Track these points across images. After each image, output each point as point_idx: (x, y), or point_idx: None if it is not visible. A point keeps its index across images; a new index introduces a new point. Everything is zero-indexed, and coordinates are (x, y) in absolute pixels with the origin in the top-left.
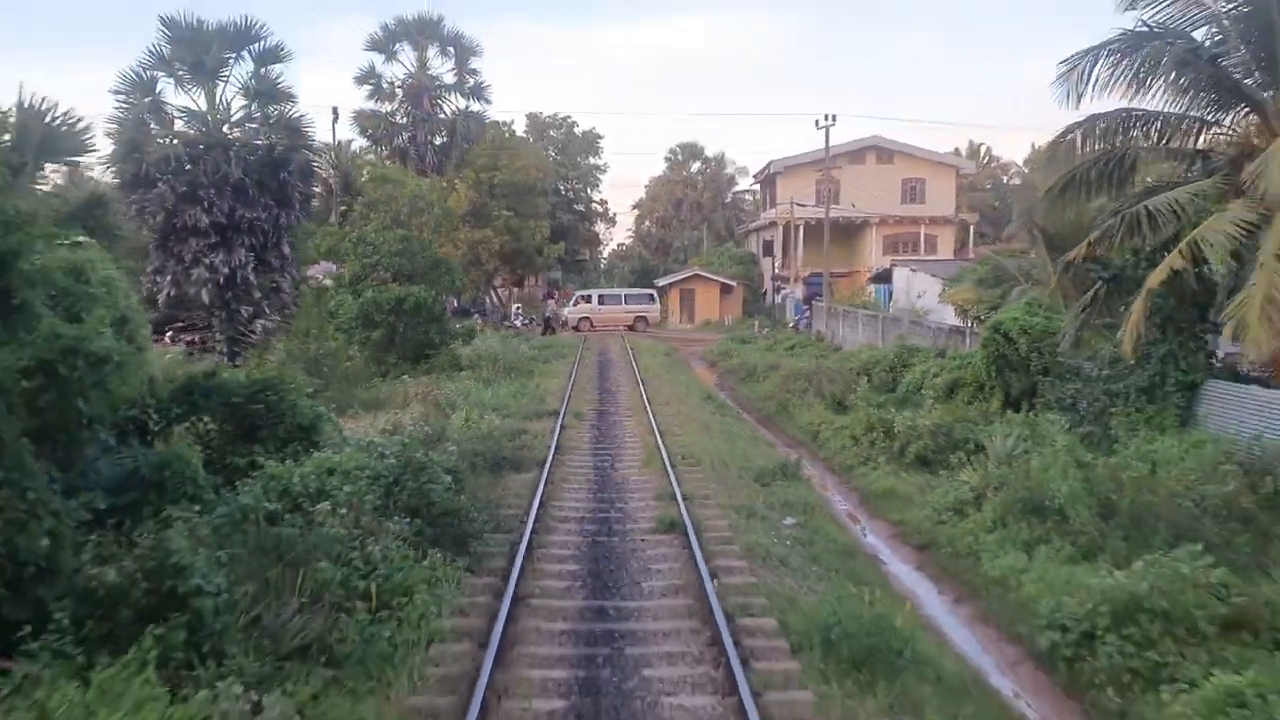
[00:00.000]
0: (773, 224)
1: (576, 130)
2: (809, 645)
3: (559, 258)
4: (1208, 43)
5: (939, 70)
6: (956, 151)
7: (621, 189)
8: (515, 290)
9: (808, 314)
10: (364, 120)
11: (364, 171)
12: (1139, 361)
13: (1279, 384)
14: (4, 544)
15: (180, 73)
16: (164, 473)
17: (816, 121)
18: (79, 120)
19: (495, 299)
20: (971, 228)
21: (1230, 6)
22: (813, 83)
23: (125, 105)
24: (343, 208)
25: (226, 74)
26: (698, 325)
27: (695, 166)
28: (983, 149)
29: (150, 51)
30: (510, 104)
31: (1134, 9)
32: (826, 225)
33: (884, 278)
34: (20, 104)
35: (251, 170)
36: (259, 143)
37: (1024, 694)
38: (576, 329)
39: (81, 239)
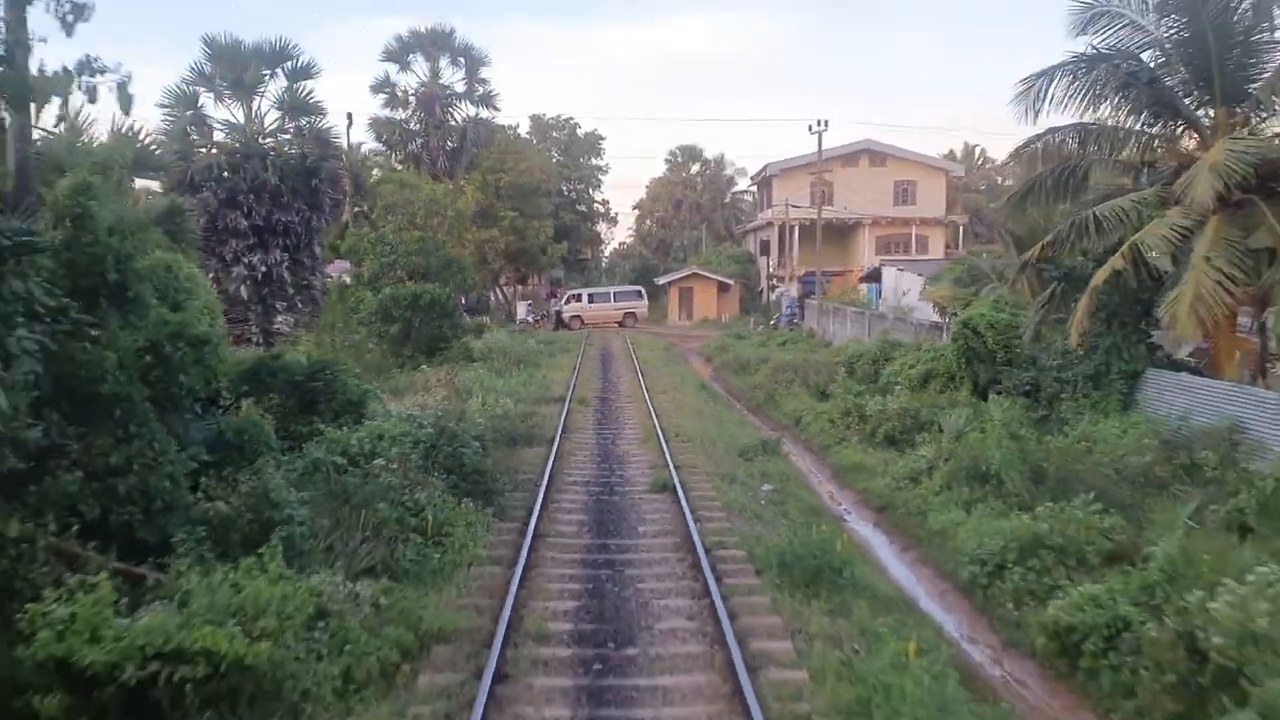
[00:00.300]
0: (769, 225)
1: (579, 132)
2: (769, 568)
3: (562, 257)
4: (1152, 64)
5: (939, 70)
6: (951, 154)
7: (623, 189)
8: (519, 288)
9: (791, 313)
10: (379, 126)
11: (372, 172)
12: (1087, 353)
13: (1209, 373)
14: (139, 483)
15: (220, 88)
16: (243, 436)
17: (810, 127)
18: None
19: (500, 296)
20: (961, 228)
21: (1171, 32)
22: (813, 83)
23: (170, 118)
24: (355, 209)
25: (263, 89)
26: (696, 322)
27: (695, 168)
28: (977, 150)
29: (193, 69)
30: (511, 103)
31: (1085, 34)
32: (819, 226)
33: (874, 277)
34: (116, 129)
35: (286, 177)
36: (292, 152)
37: (945, 611)
38: (568, 326)
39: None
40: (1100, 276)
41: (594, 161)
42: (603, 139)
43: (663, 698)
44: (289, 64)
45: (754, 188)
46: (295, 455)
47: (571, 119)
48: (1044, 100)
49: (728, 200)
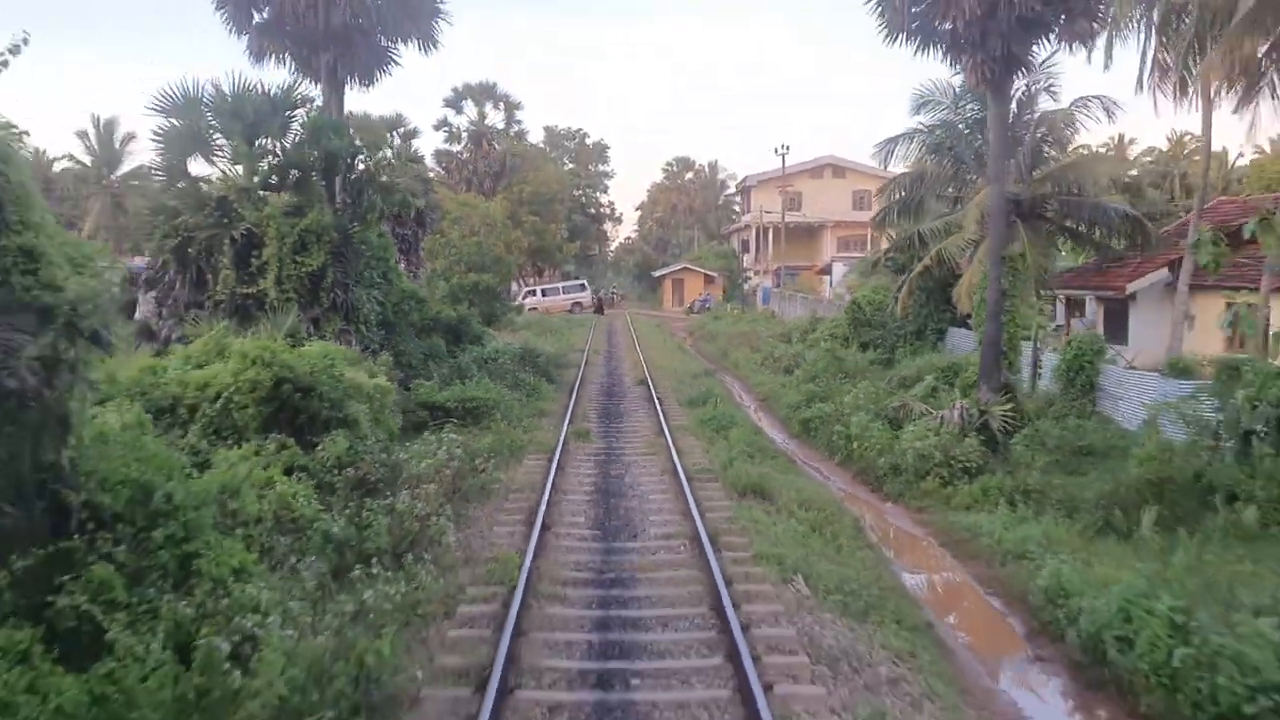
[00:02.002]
0: (748, 227)
1: (587, 141)
2: (685, 405)
3: (574, 254)
4: (958, 133)
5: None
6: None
7: (627, 187)
8: (535, 280)
9: (705, 301)
10: (440, 156)
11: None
12: (912, 318)
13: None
14: (425, 377)
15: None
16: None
17: (775, 149)
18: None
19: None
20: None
21: (968, 117)
22: (812, 86)
23: None
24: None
25: (390, 144)
26: (685, 307)
27: (689, 176)
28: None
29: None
30: (514, 97)
31: (919, 114)
32: (783, 230)
33: (828, 270)
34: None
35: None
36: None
37: (771, 429)
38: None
39: None
40: (917, 270)
41: (601, 168)
42: (608, 148)
43: (631, 409)
44: (401, 129)
45: (739, 195)
46: (460, 356)
47: (581, 129)
48: (892, 155)
49: (720, 202)
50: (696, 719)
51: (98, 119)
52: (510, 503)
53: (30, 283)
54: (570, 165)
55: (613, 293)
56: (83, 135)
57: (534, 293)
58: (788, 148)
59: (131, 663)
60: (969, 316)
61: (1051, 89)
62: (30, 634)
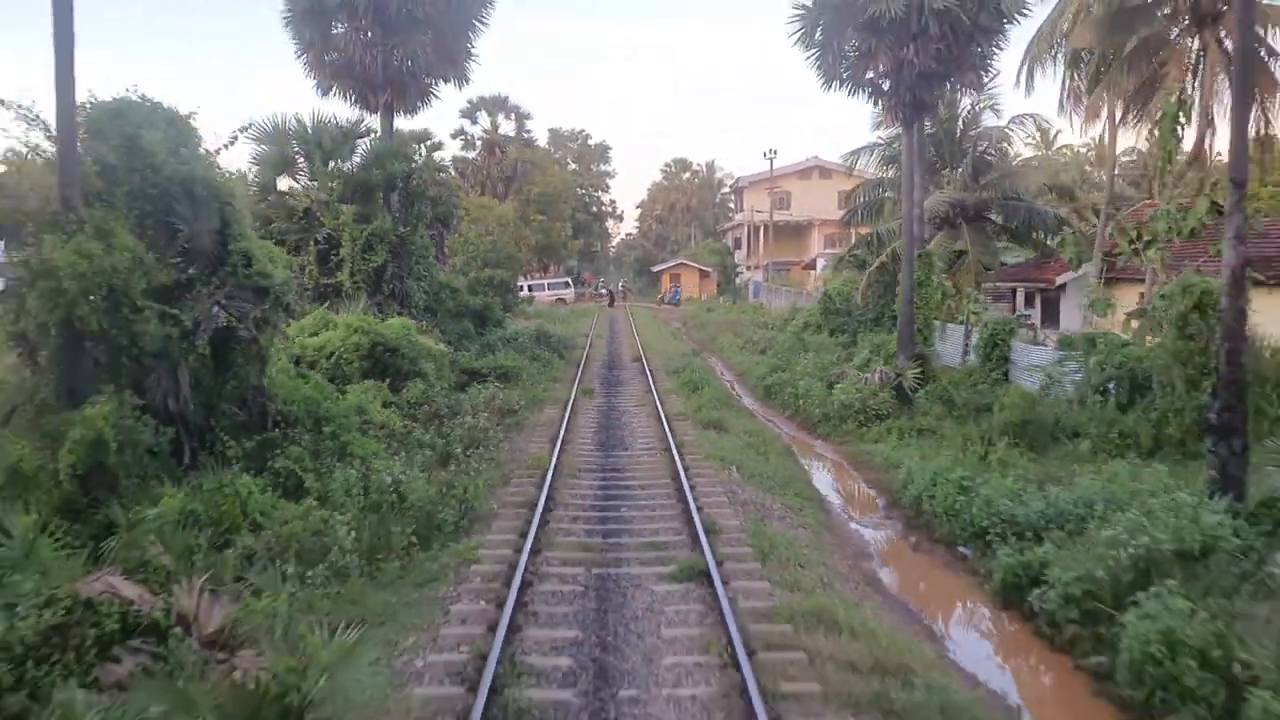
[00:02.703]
0: (740, 225)
1: (590, 142)
2: (677, 384)
3: (578, 250)
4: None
5: None
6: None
7: (629, 185)
8: (540, 276)
9: (674, 293)
10: (457, 163)
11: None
12: (869, 308)
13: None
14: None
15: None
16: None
17: (764, 153)
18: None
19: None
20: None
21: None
22: (811, 89)
23: None
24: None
25: (416, 156)
26: (682, 300)
27: (686, 176)
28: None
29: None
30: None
31: (878, 130)
32: (770, 229)
33: (814, 265)
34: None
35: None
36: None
37: (740, 394)
38: None
39: None
40: (874, 266)
41: (603, 168)
42: (610, 148)
43: (628, 378)
44: (428, 141)
45: (734, 195)
46: (487, 335)
47: (584, 131)
48: (857, 164)
49: (717, 201)
50: (657, 525)
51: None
52: (537, 433)
53: (250, 272)
54: (573, 165)
55: (624, 288)
56: None
57: (522, 288)
58: (775, 152)
59: (326, 494)
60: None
61: (995, 107)
62: (263, 481)
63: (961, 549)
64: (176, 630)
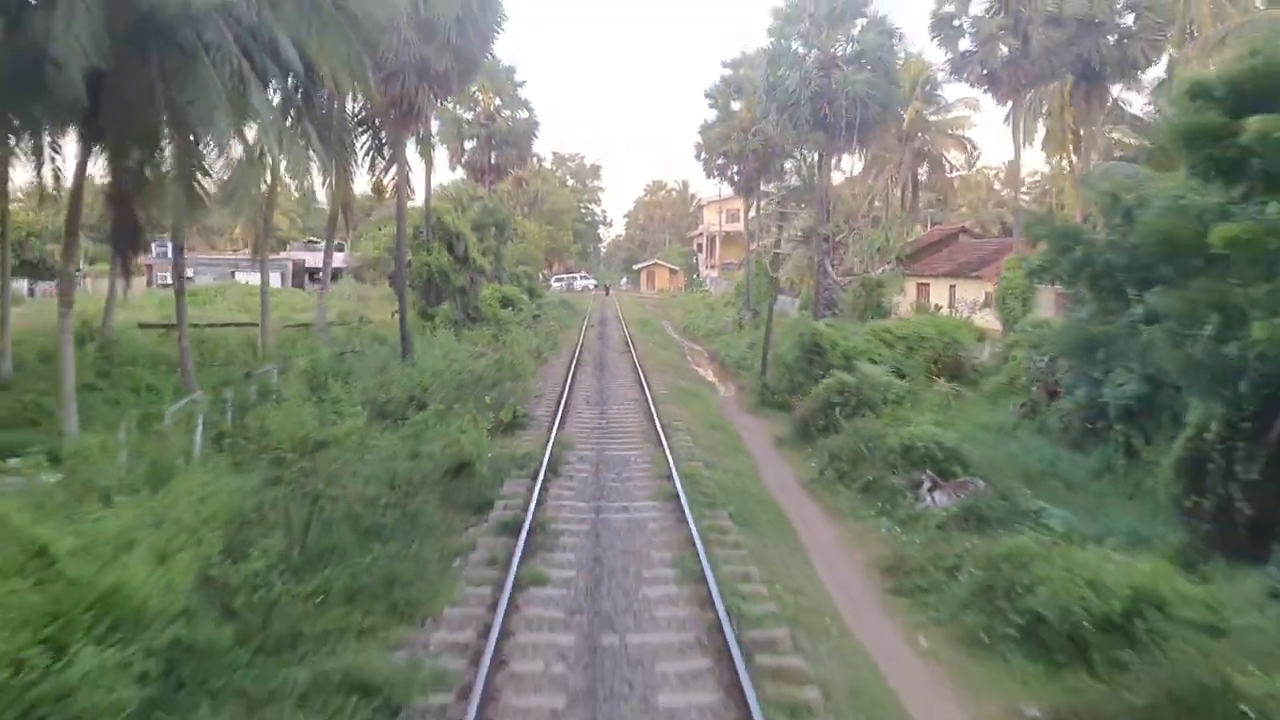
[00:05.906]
0: (701, 234)
1: (586, 163)
2: (640, 329)
3: (577, 252)
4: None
5: None
6: None
7: (620, 195)
8: (546, 272)
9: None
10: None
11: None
12: (766, 292)
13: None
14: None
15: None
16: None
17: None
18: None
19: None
20: None
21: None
22: None
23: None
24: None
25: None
26: (656, 291)
27: (662, 194)
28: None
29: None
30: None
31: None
32: (719, 238)
33: None
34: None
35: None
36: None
37: (673, 335)
38: None
39: None
40: (767, 262)
41: (595, 183)
42: (600, 168)
43: (613, 332)
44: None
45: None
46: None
47: (581, 154)
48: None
49: (691, 212)
50: (624, 366)
51: None
52: (569, 335)
53: (473, 263)
54: (571, 181)
55: (620, 283)
56: None
57: (560, 280)
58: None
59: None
60: (784, 289)
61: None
62: (487, 334)
63: (729, 365)
64: None
